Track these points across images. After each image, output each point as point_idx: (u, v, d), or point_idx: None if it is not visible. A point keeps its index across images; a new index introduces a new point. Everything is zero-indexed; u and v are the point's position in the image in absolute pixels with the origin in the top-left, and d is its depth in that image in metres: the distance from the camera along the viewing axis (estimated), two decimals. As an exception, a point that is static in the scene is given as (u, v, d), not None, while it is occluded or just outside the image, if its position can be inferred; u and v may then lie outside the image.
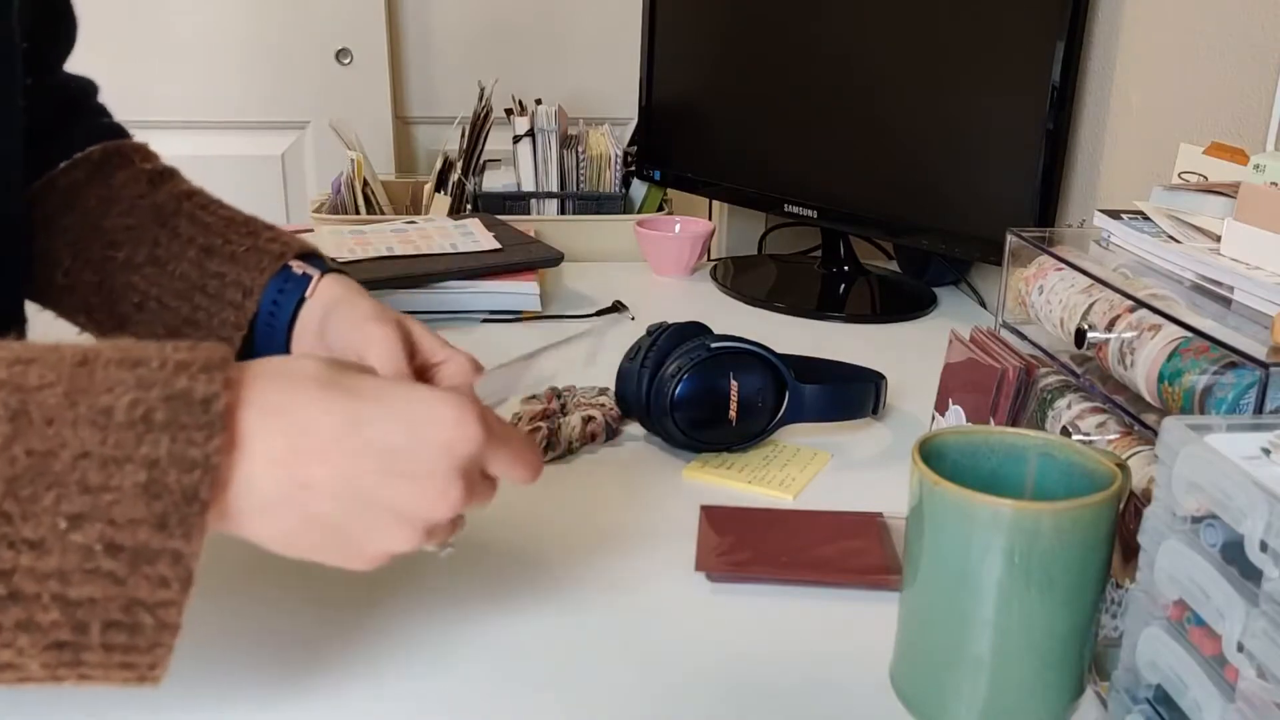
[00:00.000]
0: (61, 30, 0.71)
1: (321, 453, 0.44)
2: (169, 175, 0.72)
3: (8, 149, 0.62)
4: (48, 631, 0.40)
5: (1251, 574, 0.42)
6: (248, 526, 0.44)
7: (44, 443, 0.39)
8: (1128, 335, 0.61)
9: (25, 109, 0.66)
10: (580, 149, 1.49)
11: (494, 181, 1.52)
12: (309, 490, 0.44)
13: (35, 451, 0.39)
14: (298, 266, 0.68)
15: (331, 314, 0.66)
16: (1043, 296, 0.71)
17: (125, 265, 0.67)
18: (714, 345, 0.83)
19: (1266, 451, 0.45)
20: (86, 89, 0.75)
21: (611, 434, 0.88)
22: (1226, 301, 0.61)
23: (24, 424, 0.39)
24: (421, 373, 0.65)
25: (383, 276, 1.13)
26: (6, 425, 0.39)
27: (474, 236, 1.27)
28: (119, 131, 0.73)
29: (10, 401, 0.40)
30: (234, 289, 0.67)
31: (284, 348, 0.68)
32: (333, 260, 0.72)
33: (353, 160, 1.48)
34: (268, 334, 0.68)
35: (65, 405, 0.40)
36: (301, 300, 0.68)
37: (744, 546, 0.71)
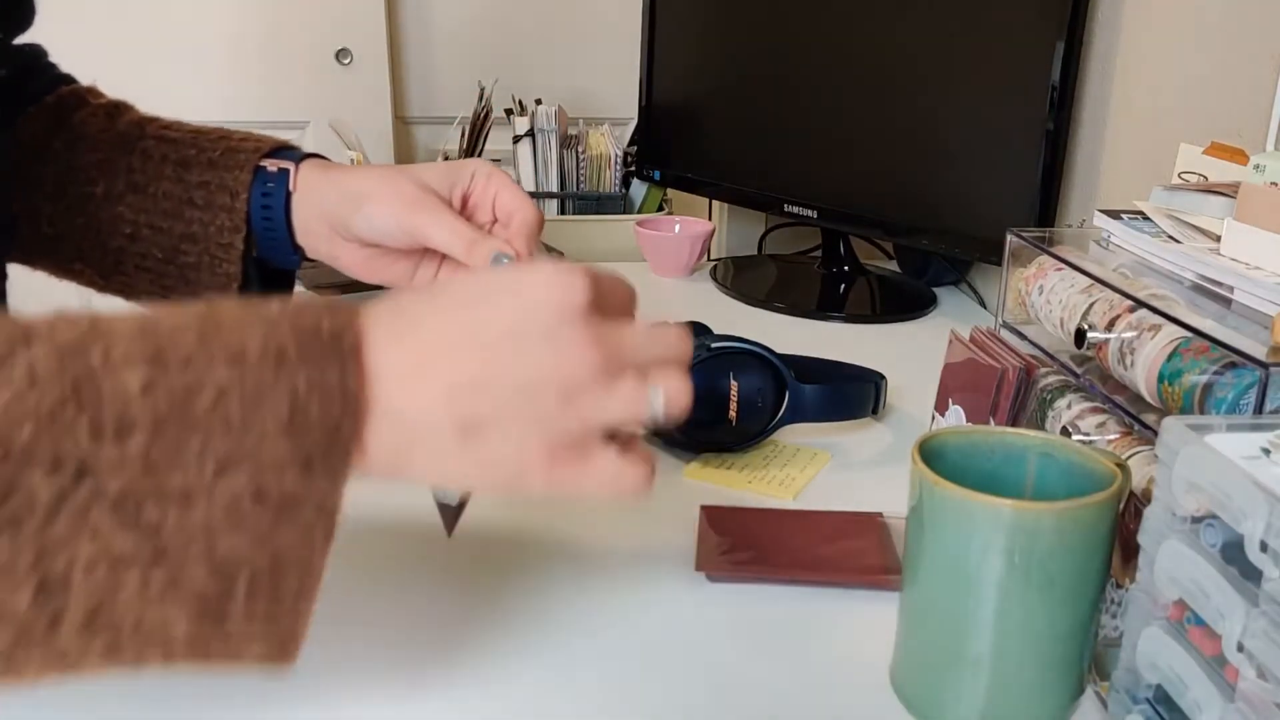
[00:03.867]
0: (21, 14, 0.71)
1: (451, 355, 0.42)
2: (125, 107, 0.71)
3: None
4: (193, 592, 0.38)
5: (1251, 574, 0.42)
6: (405, 462, 0.42)
7: (184, 382, 0.38)
8: (1128, 335, 0.61)
9: None
10: (580, 149, 1.49)
11: (494, 181, 1.52)
12: (454, 396, 0.42)
13: (176, 392, 0.38)
14: (271, 164, 0.66)
15: (352, 207, 0.63)
16: (1043, 296, 0.71)
17: (107, 198, 0.66)
18: (714, 345, 0.83)
19: (1266, 451, 0.45)
20: (36, 50, 0.75)
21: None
22: (1226, 301, 0.61)
23: (161, 367, 0.38)
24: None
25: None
26: (146, 367, 0.38)
27: (474, 236, 1.27)
28: (69, 80, 0.73)
29: (146, 347, 0.38)
30: (221, 193, 0.65)
31: (289, 246, 0.67)
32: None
33: (352, 160, 1.48)
34: (268, 236, 0.66)
35: (200, 347, 0.39)
36: (288, 195, 0.66)
37: (744, 546, 0.71)
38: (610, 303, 0.45)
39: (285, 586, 0.40)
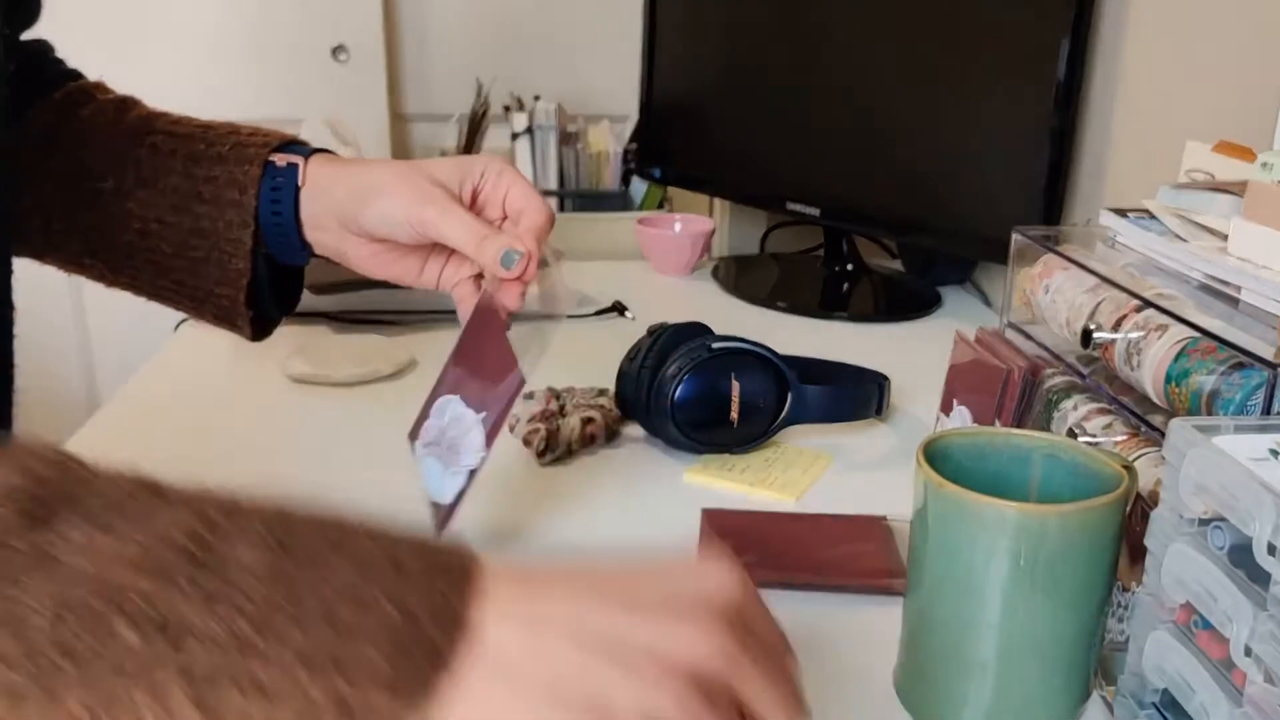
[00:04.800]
0: (28, 9, 0.71)
1: (556, 592, 0.39)
2: (132, 102, 0.71)
3: None
4: None
5: (1259, 577, 0.42)
6: (480, 694, 0.37)
7: (305, 575, 0.36)
8: (1134, 335, 0.61)
9: None
10: (579, 146, 1.48)
11: (494, 180, 1.51)
12: (542, 627, 0.38)
13: (295, 582, 0.36)
14: (280, 159, 0.66)
15: (361, 202, 0.64)
16: (1049, 296, 0.70)
17: (115, 194, 0.66)
18: (715, 346, 0.82)
19: (1275, 453, 0.45)
20: (42, 46, 0.74)
21: (611, 435, 0.87)
22: (1234, 301, 0.60)
23: (287, 559, 0.36)
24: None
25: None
26: (272, 553, 0.36)
27: (473, 235, 1.27)
28: (76, 75, 0.73)
29: (276, 537, 0.37)
30: (229, 187, 0.65)
31: (298, 242, 0.67)
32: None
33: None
34: (276, 231, 0.66)
35: (328, 548, 0.37)
36: (297, 190, 0.66)
37: (746, 550, 0.70)
38: (757, 624, 0.41)
39: None
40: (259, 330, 0.69)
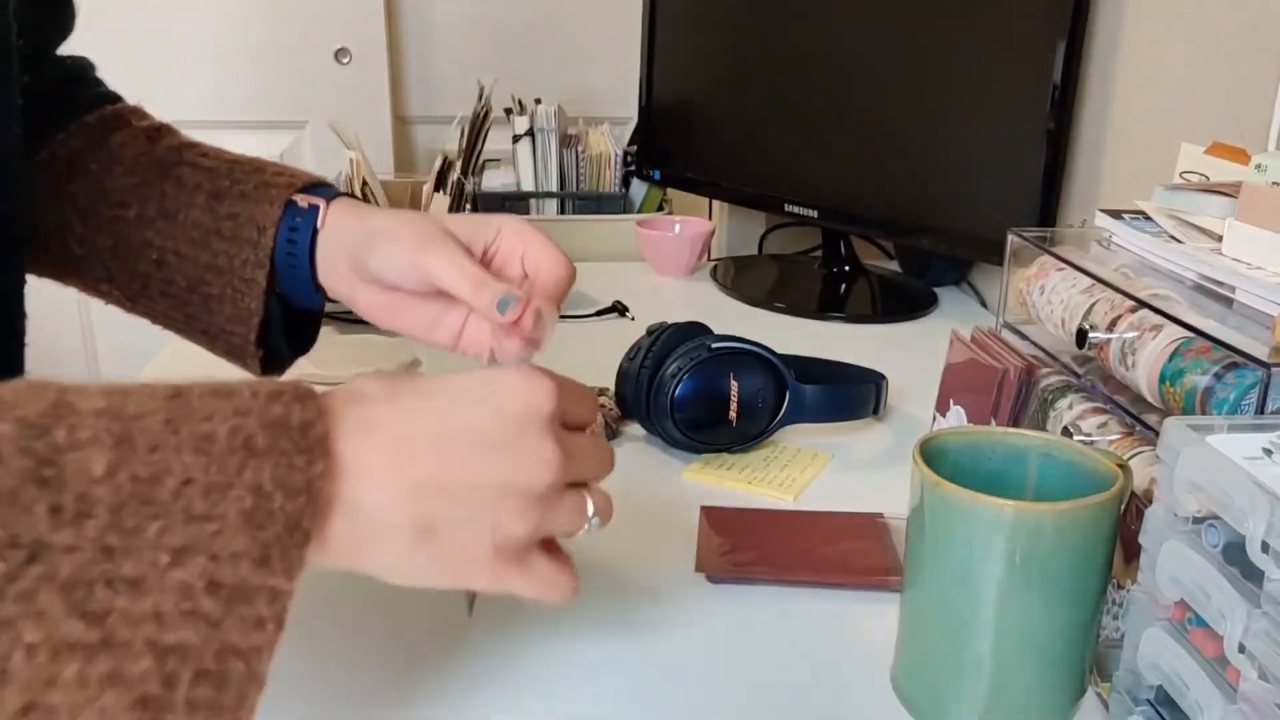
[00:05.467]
0: (58, 20, 0.71)
1: (416, 455, 0.43)
2: (166, 130, 0.70)
3: (5, 147, 0.61)
4: (136, 684, 0.37)
5: (1253, 575, 0.42)
6: (361, 556, 0.43)
7: (148, 469, 0.38)
8: (1129, 335, 0.61)
9: (24, 93, 0.64)
10: (580, 148, 1.49)
11: (493, 181, 1.52)
12: (416, 495, 0.43)
13: (140, 478, 0.38)
14: (302, 200, 0.66)
15: (369, 246, 0.63)
16: (1044, 296, 0.71)
17: (137, 222, 0.66)
18: (714, 345, 0.83)
19: (1268, 452, 0.45)
20: (82, 64, 0.74)
21: (611, 434, 0.88)
22: (1228, 302, 0.61)
23: (127, 450, 0.38)
24: (501, 273, 0.63)
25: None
26: (111, 452, 0.38)
27: (474, 236, 1.27)
28: (114, 98, 0.72)
29: (113, 428, 0.38)
30: (249, 227, 0.65)
31: (310, 285, 0.66)
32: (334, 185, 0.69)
33: (351, 160, 1.48)
34: (291, 272, 0.66)
35: (167, 432, 0.39)
36: (315, 232, 0.65)
37: (745, 547, 0.71)
38: (573, 412, 0.47)
39: (231, 677, 0.39)
40: (268, 369, 0.68)
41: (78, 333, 2.01)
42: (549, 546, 0.48)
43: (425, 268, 0.60)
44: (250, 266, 0.65)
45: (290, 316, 0.68)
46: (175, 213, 0.66)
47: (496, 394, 0.45)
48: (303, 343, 0.71)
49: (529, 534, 0.45)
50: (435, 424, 0.44)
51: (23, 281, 0.64)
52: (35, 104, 0.66)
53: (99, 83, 0.73)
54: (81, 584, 0.37)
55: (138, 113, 0.71)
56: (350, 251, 0.64)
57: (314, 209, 0.65)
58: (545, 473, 0.45)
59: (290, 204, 0.65)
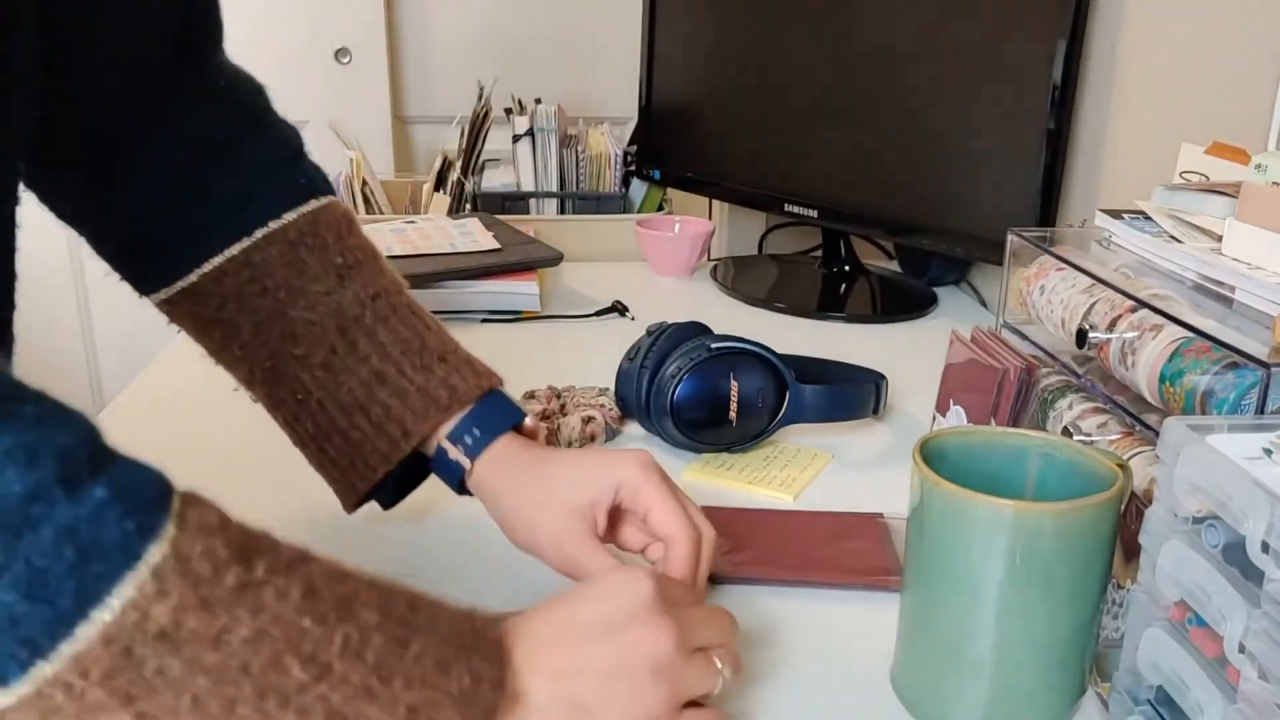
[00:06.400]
0: (202, 21, 0.69)
1: (553, 648, 0.50)
2: (359, 267, 0.69)
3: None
4: None
5: (1253, 575, 0.42)
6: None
7: (403, 631, 0.45)
8: (1129, 335, 0.61)
9: (186, 115, 0.66)
10: (580, 148, 1.49)
11: (493, 181, 1.52)
12: (559, 681, 0.49)
13: (396, 638, 0.44)
14: (453, 452, 0.66)
15: (511, 530, 0.66)
16: (1044, 296, 0.71)
17: (300, 360, 0.66)
18: (714, 345, 0.83)
19: (1268, 452, 0.45)
20: (256, 104, 0.72)
21: (611, 434, 0.88)
22: (1228, 301, 0.61)
23: (392, 624, 0.45)
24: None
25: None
26: (382, 617, 0.44)
27: (473, 236, 1.27)
28: (316, 187, 0.70)
29: (380, 602, 0.45)
30: (395, 425, 0.65)
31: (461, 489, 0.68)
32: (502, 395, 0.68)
33: (351, 160, 1.48)
34: (444, 477, 0.68)
35: (413, 613, 0.46)
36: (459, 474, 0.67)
37: (745, 547, 0.71)
38: (674, 595, 0.53)
39: None
40: (356, 506, 0.69)
41: (78, 333, 2.01)
42: (697, 706, 0.53)
43: (572, 570, 0.63)
44: (378, 457, 0.66)
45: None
46: (338, 372, 0.66)
47: (603, 591, 0.52)
48: (406, 489, 0.71)
49: (669, 697, 0.50)
50: (563, 622, 0.51)
51: (11, 310, 0.63)
52: (205, 137, 0.67)
53: (303, 158, 0.72)
54: (339, 715, 0.42)
55: (336, 229, 0.69)
56: (497, 517, 0.66)
57: (459, 466, 0.66)
58: (664, 642, 0.50)
59: (440, 449, 0.66)
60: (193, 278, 0.66)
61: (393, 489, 0.69)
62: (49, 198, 0.66)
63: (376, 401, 0.66)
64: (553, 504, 0.63)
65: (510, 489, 0.65)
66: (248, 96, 0.72)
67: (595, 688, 0.49)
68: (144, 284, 0.68)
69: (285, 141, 0.72)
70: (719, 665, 0.53)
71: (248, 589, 0.40)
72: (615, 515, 0.64)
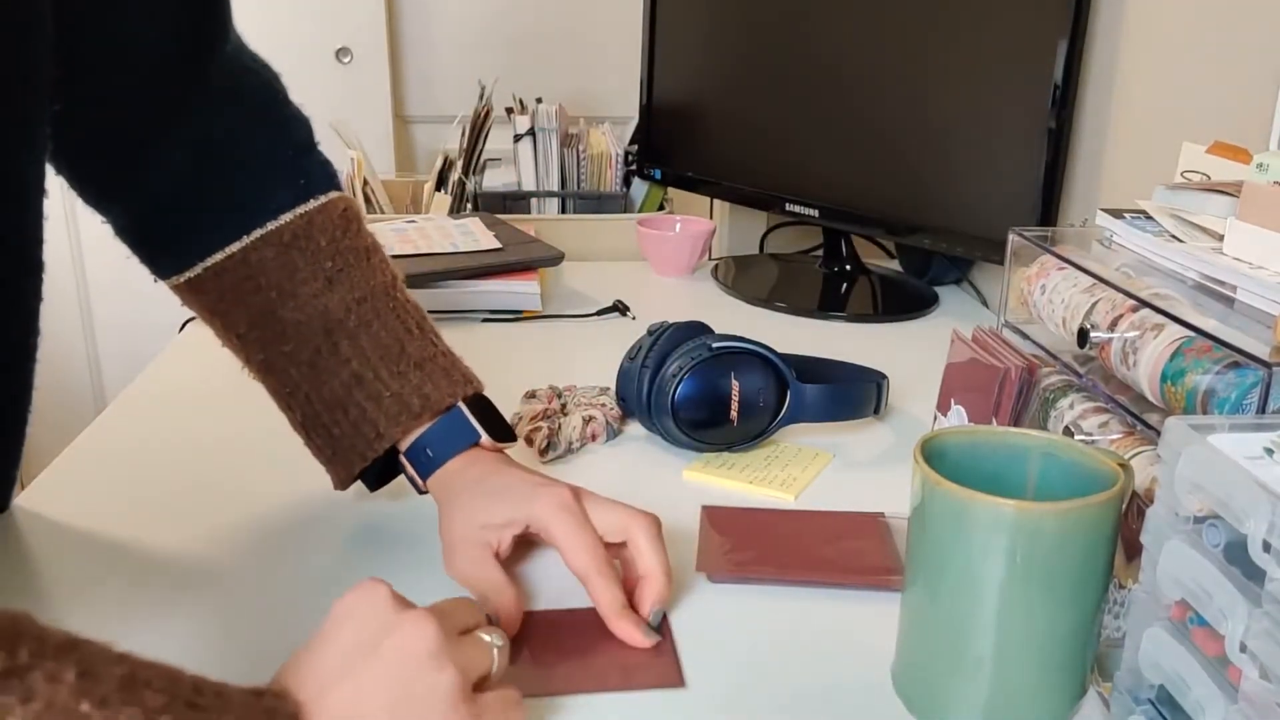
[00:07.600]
0: (209, 20, 0.70)
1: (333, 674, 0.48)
2: (348, 270, 0.71)
3: (26, 174, 0.61)
4: None
5: (1254, 574, 0.42)
6: None
7: (194, 714, 0.43)
8: (1130, 335, 0.61)
9: (196, 114, 0.69)
10: (581, 148, 1.49)
11: (494, 180, 1.52)
12: (352, 711, 0.47)
13: None
14: (409, 469, 0.70)
15: (449, 549, 0.67)
16: (1045, 296, 0.71)
17: (289, 357, 0.70)
18: (715, 345, 0.83)
19: (1269, 451, 0.45)
20: (266, 97, 0.74)
21: (612, 434, 0.88)
22: (1229, 301, 0.61)
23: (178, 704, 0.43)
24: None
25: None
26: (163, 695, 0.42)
27: (474, 236, 1.27)
28: (317, 186, 0.72)
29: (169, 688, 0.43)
30: (369, 427, 0.69)
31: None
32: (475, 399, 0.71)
33: (352, 159, 1.48)
34: (418, 471, 0.70)
35: (199, 695, 0.44)
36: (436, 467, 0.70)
37: (745, 547, 0.71)
38: (456, 620, 0.53)
39: None
40: (344, 485, 0.73)
41: (80, 331, 2.01)
42: (493, 689, 0.52)
43: (470, 586, 0.63)
44: (354, 455, 0.70)
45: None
46: (321, 371, 0.70)
47: (348, 609, 0.50)
48: (385, 479, 0.75)
49: (455, 681, 0.49)
50: (332, 654, 0.49)
51: (36, 316, 0.65)
52: (215, 134, 0.70)
53: (308, 154, 0.74)
54: None
55: (329, 231, 0.71)
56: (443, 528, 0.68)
57: (415, 482, 0.70)
58: (426, 628, 0.49)
59: (414, 445, 0.69)
60: (197, 270, 0.71)
61: (374, 478, 0.73)
62: (75, 181, 0.71)
63: (354, 403, 0.69)
64: (472, 527, 0.65)
65: (446, 513, 0.67)
66: (259, 91, 0.74)
67: (386, 703, 0.48)
68: (157, 270, 0.73)
69: (292, 137, 0.74)
70: (488, 639, 0.52)
71: (12, 675, 0.38)
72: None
